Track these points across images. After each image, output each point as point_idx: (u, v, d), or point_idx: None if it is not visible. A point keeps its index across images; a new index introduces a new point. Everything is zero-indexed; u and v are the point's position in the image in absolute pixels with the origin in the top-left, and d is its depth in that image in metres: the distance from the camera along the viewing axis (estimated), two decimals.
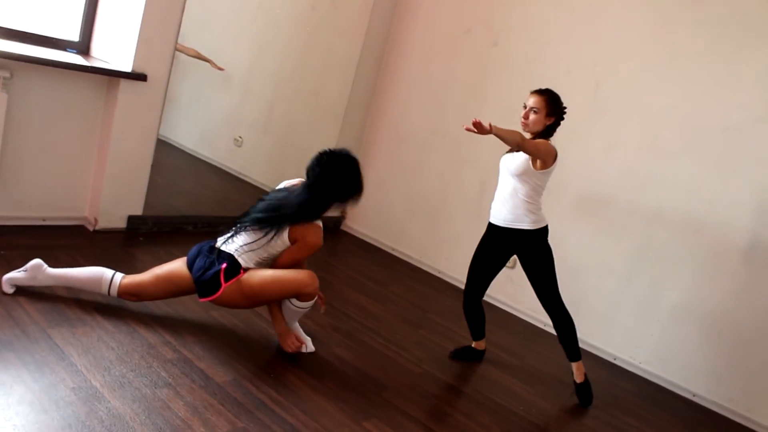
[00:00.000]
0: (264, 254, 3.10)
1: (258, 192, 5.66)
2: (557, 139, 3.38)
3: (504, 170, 3.40)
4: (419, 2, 5.19)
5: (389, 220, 5.33)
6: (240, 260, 3.04)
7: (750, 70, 3.82)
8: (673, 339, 4.04)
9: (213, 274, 2.98)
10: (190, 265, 3.10)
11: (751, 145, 3.81)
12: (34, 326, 2.80)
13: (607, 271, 4.27)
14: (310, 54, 5.65)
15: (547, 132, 3.34)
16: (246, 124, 6.05)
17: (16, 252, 3.41)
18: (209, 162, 6.16)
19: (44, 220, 3.91)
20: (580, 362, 3.52)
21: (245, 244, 3.08)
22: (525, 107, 3.32)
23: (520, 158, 3.27)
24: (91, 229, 4.03)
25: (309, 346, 3.25)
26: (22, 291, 3.03)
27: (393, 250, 5.28)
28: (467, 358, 3.69)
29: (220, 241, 3.16)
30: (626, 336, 4.20)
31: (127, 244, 4.04)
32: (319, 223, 3.16)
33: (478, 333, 3.70)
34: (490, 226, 3.49)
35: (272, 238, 3.07)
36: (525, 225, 3.35)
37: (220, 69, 5.78)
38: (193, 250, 3.15)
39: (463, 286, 3.67)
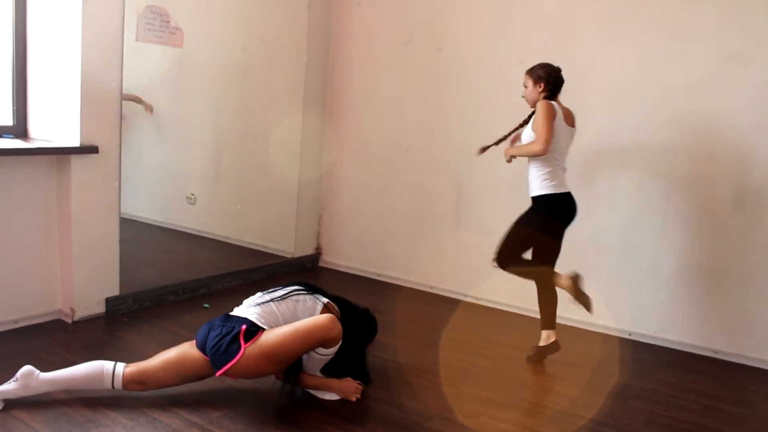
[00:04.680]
0: (282, 321, 2.91)
1: (222, 246, 5.44)
2: None
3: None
4: (353, 22, 5.10)
5: (368, 246, 5.17)
6: (258, 322, 2.83)
7: (700, 25, 3.86)
8: (683, 302, 4.03)
9: (232, 337, 2.75)
10: (201, 344, 2.86)
11: (716, 98, 3.85)
12: None
13: (602, 248, 4.23)
14: (249, 95, 5.47)
15: (549, 97, 3.57)
16: (195, 180, 5.80)
17: None
18: (164, 226, 5.88)
19: (16, 322, 3.60)
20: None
21: (264, 303, 2.90)
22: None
23: (528, 132, 3.54)
24: (69, 321, 3.74)
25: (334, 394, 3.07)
26: (17, 404, 2.74)
27: (378, 275, 5.12)
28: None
29: (235, 310, 2.95)
30: (635, 310, 4.16)
31: (112, 328, 3.76)
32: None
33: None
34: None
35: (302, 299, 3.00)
36: (535, 192, 3.58)
37: (149, 108, 5.47)
38: (202, 328, 2.91)
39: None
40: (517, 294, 4.40)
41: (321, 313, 2.96)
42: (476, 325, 4.23)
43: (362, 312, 3.27)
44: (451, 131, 4.71)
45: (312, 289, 3.10)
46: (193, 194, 5.77)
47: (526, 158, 3.59)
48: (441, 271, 4.80)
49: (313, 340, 2.81)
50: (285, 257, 5.23)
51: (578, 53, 4.21)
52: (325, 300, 3.06)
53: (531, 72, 3.61)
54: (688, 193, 3.97)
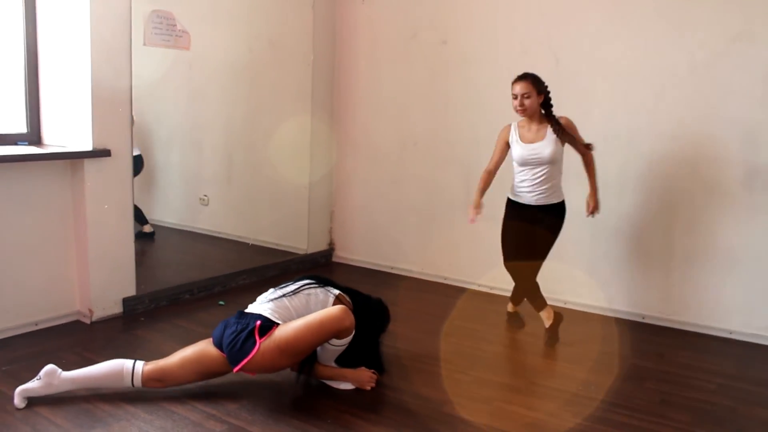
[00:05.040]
0: (296, 314, 2.95)
1: (236, 246, 5.50)
2: None
3: (533, 160, 3.65)
4: (358, 19, 5.14)
5: (381, 240, 5.21)
6: (272, 317, 2.88)
7: (703, 5, 3.86)
8: (695, 284, 4.03)
9: (247, 333, 2.80)
10: (218, 341, 2.92)
11: (721, 79, 3.86)
12: None
13: (614, 232, 4.24)
14: (258, 96, 5.52)
15: (547, 107, 3.63)
16: (208, 182, 5.87)
17: (18, 365, 3.19)
18: (179, 228, 5.95)
19: (36, 324, 3.68)
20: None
21: (277, 299, 2.96)
22: (515, 97, 3.59)
23: (551, 147, 3.62)
24: (88, 321, 3.81)
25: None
26: (39, 402, 2.81)
27: (392, 268, 5.16)
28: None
29: (249, 307, 3.00)
30: (648, 293, 4.17)
31: (129, 327, 3.83)
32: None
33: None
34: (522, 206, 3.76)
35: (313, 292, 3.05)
36: (560, 198, 3.78)
37: None
38: (218, 327, 2.96)
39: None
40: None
41: (333, 304, 3.01)
42: (488, 313, 4.26)
43: (374, 302, 3.30)
44: (458, 123, 4.74)
45: (323, 282, 3.14)
46: (206, 195, 5.84)
47: (551, 174, 3.68)
48: (453, 262, 4.84)
49: (327, 332, 2.85)
50: (298, 254, 5.28)
51: (581, 40, 4.22)
52: (337, 292, 3.11)
53: (534, 81, 3.59)
54: (696, 175, 3.97)
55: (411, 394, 3.06)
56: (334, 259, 5.48)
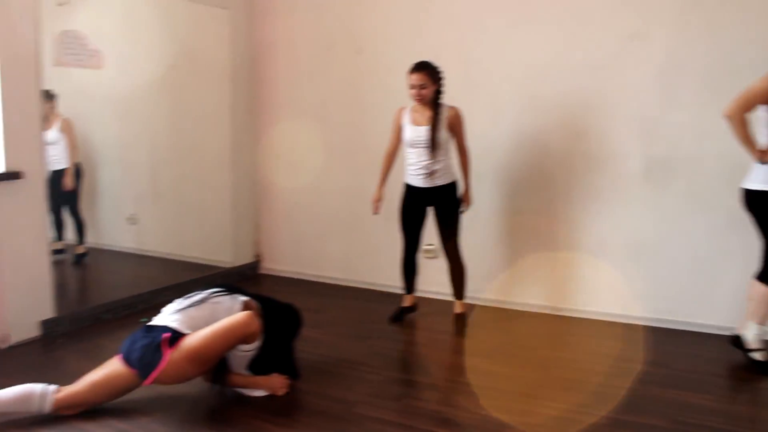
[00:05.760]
0: (203, 324, 2.99)
1: (163, 263, 5.51)
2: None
3: (419, 143, 3.93)
4: (276, 30, 5.21)
5: (305, 249, 5.29)
6: (180, 328, 2.92)
7: (598, 8, 4.08)
8: (595, 274, 4.22)
9: (155, 346, 2.84)
10: (126, 357, 2.94)
11: (618, 78, 4.07)
12: None
13: (532, 231, 4.41)
14: (180, 110, 5.55)
15: (437, 96, 3.87)
16: (135, 200, 5.86)
17: None
18: (108, 249, 5.92)
19: None
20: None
21: (183, 309, 3.00)
22: (412, 87, 3.83)
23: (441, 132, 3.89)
24: (4, 347, 3.79)
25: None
26: None
27: (318, 277, 5.24)
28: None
29: (155, 319, 3.04)
30: (560, 287, 4.35)
31: (47, 349, 3.82)
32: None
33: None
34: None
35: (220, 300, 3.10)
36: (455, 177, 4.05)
37: None
38: (125, 342, 2.99)
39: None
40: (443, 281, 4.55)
41: (240, 311, 3.07)
42: (406, 316, 4.35)
43: (285, 306, 3.38)
44: (375, 131, 4.84)
45: (231, 290, 3.21)
46: (133, 214, 5.83)
47: (427, 149, 3.88)
48: (376, 267, 4.94)
49: (233, 338, 2.92)
50: (224, 267, 5.32)
51: (490, 43, 4.40)
52: (244, 298, 3.18)
53: (430, 72, 3.83)
54: (597, 170, 4.17)
55: (324, 397, 3.14)
56: (262, 271, 5.53)
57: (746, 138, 3.16)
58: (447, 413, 2.99)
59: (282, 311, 3.34)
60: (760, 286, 3.36)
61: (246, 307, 3.13)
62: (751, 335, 3.44)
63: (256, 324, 2.97)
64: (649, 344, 3.83)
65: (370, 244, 4.97)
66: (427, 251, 4.60)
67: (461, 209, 4.03)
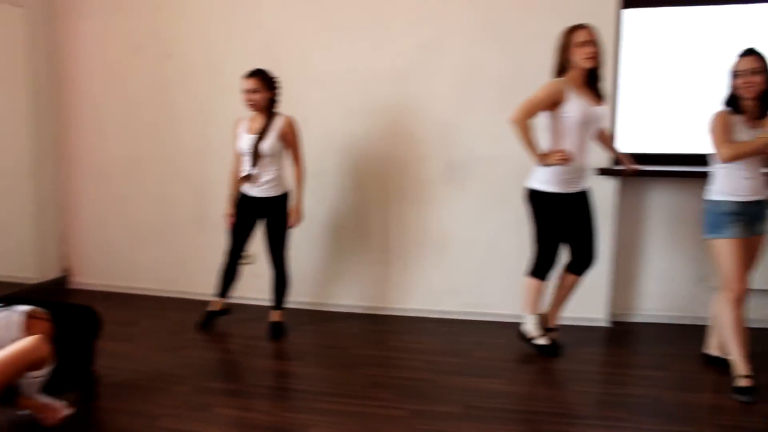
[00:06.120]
0: None
1: None
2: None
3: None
4: (80, 35, 4.93)
5: (116, 260, 5.06)
6: None
7: (398, 18, 4.26)
8: (411, 272, 4.44)
9: None
10: None
11: (419, 84, 4.27)
12: None
13: (338, 230, 4.51)
14: None
15: (272, 105, 3.90)
16: None
17: None
18: None
19: None
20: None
21: None
22: (245, 92, 3.84)
23: (268, 141, 3.87)
24: None
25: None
26: None
27: (130, 288, 5.03)
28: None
29: None
30: (371, 286, 4.50)
31: None
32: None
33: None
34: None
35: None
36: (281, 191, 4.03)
37: None
38: None
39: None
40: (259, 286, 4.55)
41: (24, 323, 2.85)
42: (220, 322, 4.30)
43: (78, 309, 3.19)
44: (185, 137, 4.75)
45: (8, 302, 2.97)
46: None
47: (253, 157, 3.87)
48: (190, 276, 4.83)
49: (23, 365, 2.71)
50: (28, 284, 4.97)
51: (297, 50, 4.44)
52: (25, 308, 2.92)
53: (264, 78, 3.86)
54: (405, 173, 4.36)
55: (127, 413, 3.04)
56: (72, 286, 5.22)
57: (529, 142, 3.43)
58: (253, 419, 3.01)
59: (75, 313, 3.14)
60: (531, 281, 3.68)
61: (30, 317, 2.90)
62: (529, 326, 3.75)
63: (46, 349, 2.77)
64: (453, 336, 4.05)
65: (182, 252, 4.85)
66: (244, 257, 4.58)
67: (290, 224, 4.03)
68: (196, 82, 4.70)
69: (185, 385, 3.35)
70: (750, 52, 3.14)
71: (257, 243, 4.20)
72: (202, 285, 4.72)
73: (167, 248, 4.91)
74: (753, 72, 3.10)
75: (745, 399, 3.15)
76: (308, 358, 3.75)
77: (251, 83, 3.84)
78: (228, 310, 4.25)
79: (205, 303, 4.60)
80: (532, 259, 3.68)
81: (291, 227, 4.02)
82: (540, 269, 3.65)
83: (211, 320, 4.21)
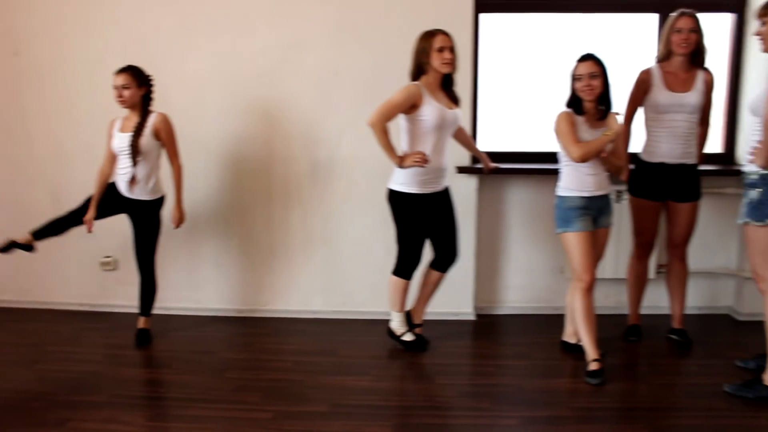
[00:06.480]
0: None
1: None
2: None
3: (124, 151, 3.78)
4: None
5: None
6: None
7: (260, 17, 4.22)
8: (281, 273, 4.44)
9: None
10: None
11: (282, 84, 4.26)
12: None
13: (209, 235, 4.43)
14: None
15: (147, 101, 3.82)
16: None
17: None
18: None
19: None
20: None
21: None
22: (114, 87, 3.74)
23: (142, 139, 3.76)
24: None
25: None
26: None
27: None
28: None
29: None
30: (242, 289, 4.45)
31: None
32: None
33: None
34: None
35: None
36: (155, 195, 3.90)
37: None
38: None
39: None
40: (126, 293, 4.38)
41: None
42: (85, 333, 4.14)
43: None
44: (39, 138, 4.50)
45: None
46: None
47: (129, 157, 3.75)
48: (45, 286, 4.58)
49: None
50: None
51: (157, 49, 4.29)
52: None
53: (136, 73, 3.77)
54: (271, 174, 4.34)
55: None
56: None
57: (387, 144, 3.49)
58: (114, 431, 2.91)
59: None
60: (396, 279, 3.77)
61: None
62: (396, 323, 3.84)
63: None
64: (323, 336, 4.09)
65: (39, 260, 4.59)
66: (105, 263, 4.42)
67: (177, 226, 3.94)
68: (50, 81, 4.44)
69: (42, 400, 3.20)
70: (588, 57, 3.36)
71: (126, 248, 4.06)
72: (62, 294, 4.52)
73: (23, 257, 4.61)
74: (591, 76, 3.32)
75: (595, 381, 3.36)
76: (175, 364, 3.67)
77: (122, 79, 3.73)
78: (32, 246, 3.94)
79: (68, 313, 4.42)
80: (396, 258, 3.76)
81: (176, 227, 3.94)
82: (404, 268, 3.74)
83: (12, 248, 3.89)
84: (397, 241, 3.73)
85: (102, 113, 4.04)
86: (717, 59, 4.19)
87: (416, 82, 3.54)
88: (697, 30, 3.61)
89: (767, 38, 3.10)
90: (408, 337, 3.82)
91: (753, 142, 3.11)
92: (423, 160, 3.46)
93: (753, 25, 3.28)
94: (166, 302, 4.38)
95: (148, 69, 4.07)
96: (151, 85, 3.85)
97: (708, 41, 3.70)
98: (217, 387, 3.35)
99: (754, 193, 3.11)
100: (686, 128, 3.68)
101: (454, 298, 4.30)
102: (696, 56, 3.67)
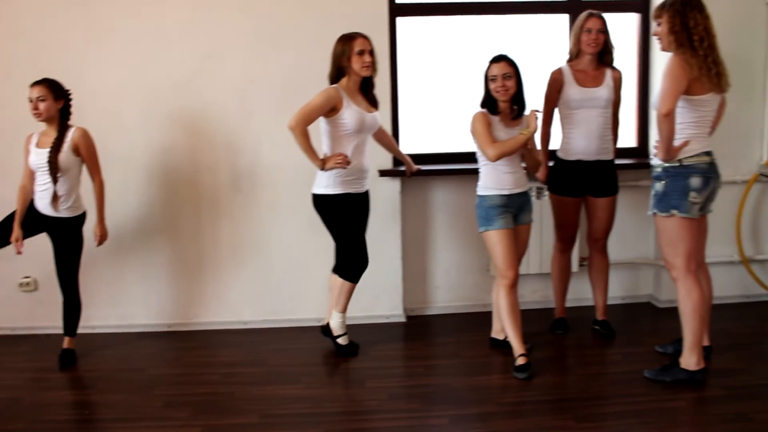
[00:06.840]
0: None
1: None
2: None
3: (42, 167, 3.65)
4: None
5: None
6: None
7: (176, 26, 4.16)
8: (210, 285, 4.38)
9: None
10: None
11: (201, 94, 4.21)
12: None
13: (133, 250, 4.34)
14: None
15: (65, 115, 3.70)
16: None
17: None
18: None
19: None
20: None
21: None
22: (30, 101, 3.61)
23: (61, 155, 3.65)
24: None
25: None
26: None
27: None
28: None
29: None
30: (171, 303, 4.37)
31: None
32: None
33: None
34: None
35: None
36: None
37: None
38: None
39: None
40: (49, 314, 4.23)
41: None
42: (7, 356, 4.00)
43: None
44: None
45: None
46: None
47: (49, 174, 3.63)
48: None
49: None
50: None
51: (65, 61, 4.14)
52: None
53: (52, 86, 3.66)
54: (194, 185, 4.28)
55: None
56: None
57: (308, 148, 3.50)
58: None
59: None
60: (337, 279, 3.78)
61: None
62: (335, 323, 3.84)
63: None
64: (253, 346, 4.05)
65: None
66: (23, 284, 4.28)
67: (100, 243, 3.84)
68: None
69: None
70: (501, 58, 3.44)
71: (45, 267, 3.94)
72: None
73: None
74: (505, 76, 3.40)
75: (523, 376, 3.44)
76: (101, 384, 3.57)
77: (37, 91, 3.61)
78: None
79: None
80: (340, 262, 3.76)
81: (99, 245, 3.84)
82: (351, 271, 3.74)
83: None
84: (336, 244, 3.73)
85: (13, 128, 3.93)
86: (627, 57, 4.36)
87: (335, 86, 3.56)
88: (604, 30, 3.75)
89: (664, 38, 3.22)
90: (342, 341, 3.83)
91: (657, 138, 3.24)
92: (345, 162, 3.48)
93: (652, 25, 3.42)
94: (92, 320, 4.25)
95: (61, 81, 3.98)
96: (69, 99, 3.74)
97: (615, 41, 3.85)
98: (144, 404, 3.27)
99: (659, 186, 3.25)
100: (600, 124, 3.81)
101: (383, 301, 4.33)
102: (603, 55, 3.81)
